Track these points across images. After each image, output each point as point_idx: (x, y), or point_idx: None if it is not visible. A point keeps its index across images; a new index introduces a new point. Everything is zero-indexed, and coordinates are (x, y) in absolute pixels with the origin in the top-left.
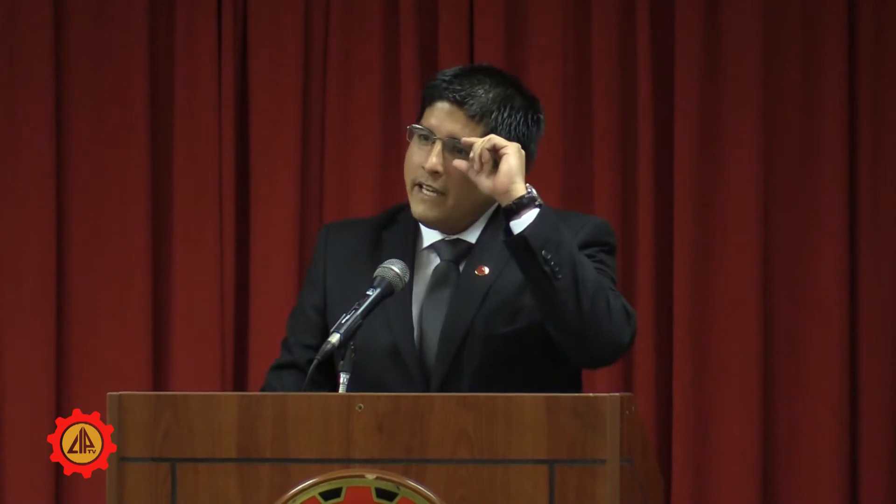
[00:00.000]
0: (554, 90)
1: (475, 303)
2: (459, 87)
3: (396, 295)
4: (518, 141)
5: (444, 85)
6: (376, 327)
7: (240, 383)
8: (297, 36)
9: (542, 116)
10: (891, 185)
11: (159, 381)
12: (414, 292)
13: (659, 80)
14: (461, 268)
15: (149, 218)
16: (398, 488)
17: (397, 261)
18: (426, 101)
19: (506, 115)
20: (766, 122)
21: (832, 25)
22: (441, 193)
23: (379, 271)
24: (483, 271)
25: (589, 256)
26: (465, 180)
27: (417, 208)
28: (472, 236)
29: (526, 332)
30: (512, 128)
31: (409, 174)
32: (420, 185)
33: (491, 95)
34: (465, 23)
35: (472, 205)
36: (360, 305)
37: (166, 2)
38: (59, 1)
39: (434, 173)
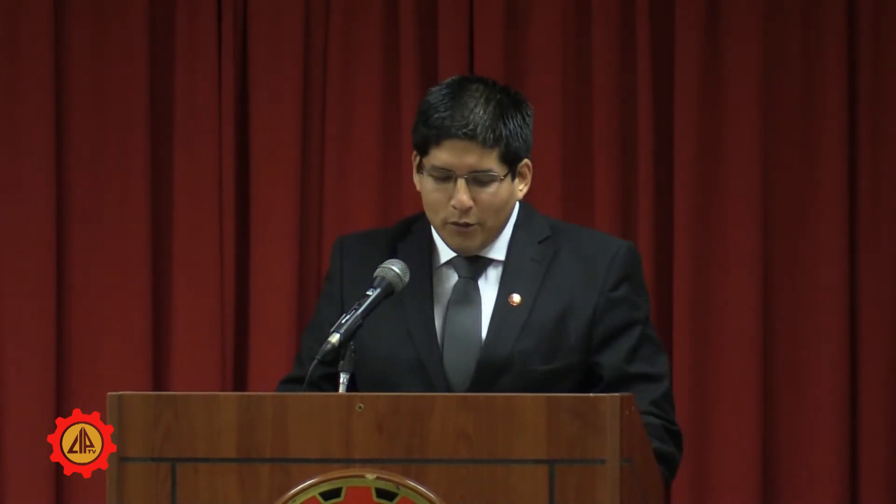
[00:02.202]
0: (554, 91)
1: (512, 335)
2: (463, 120)
3: (415, 311)
4: (523, 141)
5: (448, 123)
6: (397, 340)
7: (240, 383)
8: (297, 36)
9: (530, 107)
10: (891, 185)
11: (159, 381)
12: (434, 308)
13: (659, 80)
14: (486, 289)
15: (149, 218)
16: (398, 488)
17: (397, 261)
18: (430, 141)
19: (510, 125)
20: (766, 123)
21: (832, 25)
22: (476, 224)
23: (379, 271)
24: (514, 301)
25: (622, 301)
26: (493, 204)
27: (454, 241)
28: (490, 252)
29: (561, 371)
30: (518, 134)
31: (437, 214)
32: (453, 222)
33: (492, 114)
34: (464, 24)
35: (503, 222)
36: (360, 305)
37: (166, 2)
38: (59, 1)
39: (466, 210)
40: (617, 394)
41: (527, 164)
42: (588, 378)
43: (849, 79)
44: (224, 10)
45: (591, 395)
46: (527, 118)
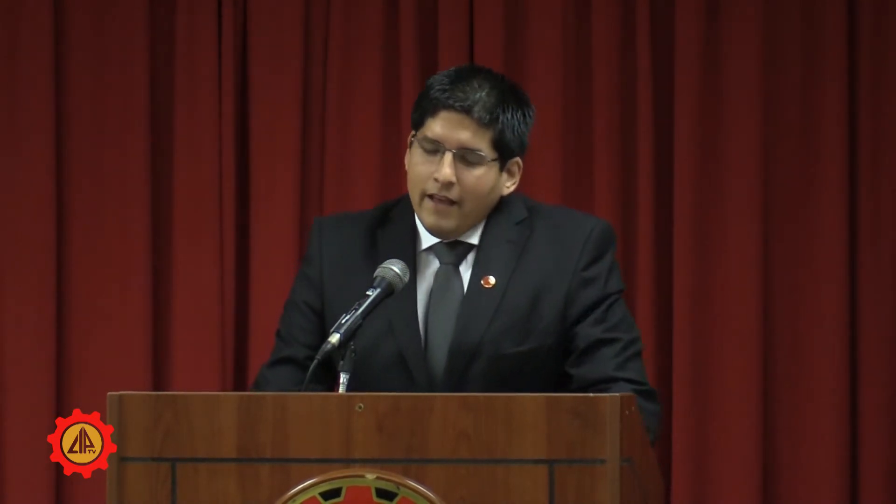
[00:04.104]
0: (554, 90)
1: (484, 319)
2: (462, 95)
3: (399, 300)
4: (518, 137)
5: (447, 94)
6: (379, 333)
7: (240, 383)
8: (297, 36)
9: (533, 109)
10: (891, 185)
11: (159, 381)
12: (417, 297)
13: (659, 80)
14: (468, 275)
15: (149, 218)
16: (398, 488)
17: (397, 261)
18: (427, 112)
19: (509, 115)
20: (766, 123)
21: (832, 25)
22: (454, 203)
23: (379, 271)
24: (489, 282)
25: (595, 280)
26: (476, 188)
27: (430, 219)
28: (471, 237)
29: (534, 352)
30: (515, 127)
31: (417, 186)
32: (431, 196)
33: (493, 98)
34: (464, 23)
35: (483, 211)
36: (360, 305)
37: (166, 2)
38: (59, 1)
39: (448, 184)
40: (616, 394)
41: (517, 163)
42: (565, 357)
43: (849, 77)
44: (224, 11)
45: (590, 395)
46: (527, 117)
